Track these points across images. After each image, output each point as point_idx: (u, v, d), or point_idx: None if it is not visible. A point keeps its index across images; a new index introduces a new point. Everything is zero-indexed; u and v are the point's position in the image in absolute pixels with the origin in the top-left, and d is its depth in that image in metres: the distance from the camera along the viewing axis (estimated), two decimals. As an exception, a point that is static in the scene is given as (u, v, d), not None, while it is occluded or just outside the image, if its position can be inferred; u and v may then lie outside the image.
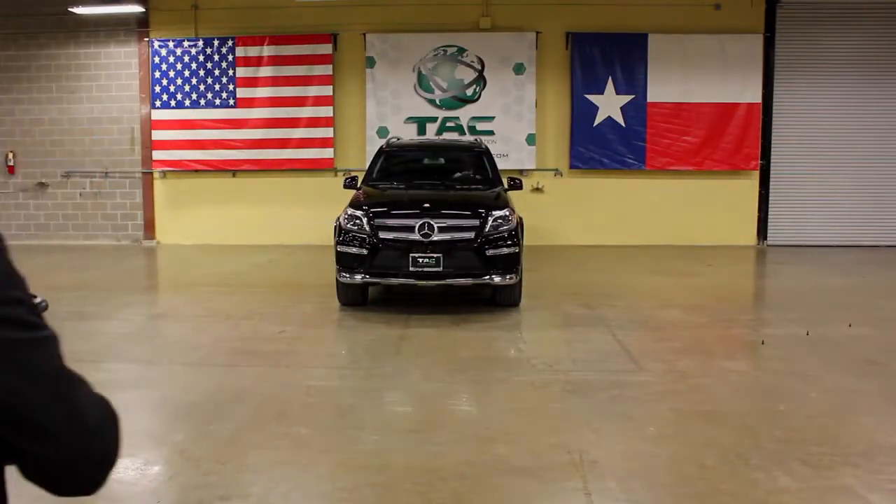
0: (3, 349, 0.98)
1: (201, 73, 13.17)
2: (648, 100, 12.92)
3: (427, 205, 7.90)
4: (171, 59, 13.22)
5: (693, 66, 12.82)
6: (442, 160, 10.09)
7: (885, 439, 4.50)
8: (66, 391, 1.05)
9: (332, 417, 4.90)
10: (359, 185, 9.01)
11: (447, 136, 12.93)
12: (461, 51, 13.02)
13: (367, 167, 9.91)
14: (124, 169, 13.57)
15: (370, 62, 13.07)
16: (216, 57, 13.14)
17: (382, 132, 12.91)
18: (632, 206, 13.17)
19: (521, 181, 9.45)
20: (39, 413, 1.01)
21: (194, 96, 13.20)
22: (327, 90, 13.09)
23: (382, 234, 7.69)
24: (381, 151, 9.62)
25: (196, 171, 13.31)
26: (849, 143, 13.14)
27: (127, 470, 3.94)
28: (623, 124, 12.98)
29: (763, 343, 6.81)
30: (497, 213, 7.84)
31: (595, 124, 12.99)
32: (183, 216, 13.54)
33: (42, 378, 1.02)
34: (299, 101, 13.10)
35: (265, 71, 13.08)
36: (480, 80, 13.05)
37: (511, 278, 7.75)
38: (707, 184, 13.16)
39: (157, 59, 13.22)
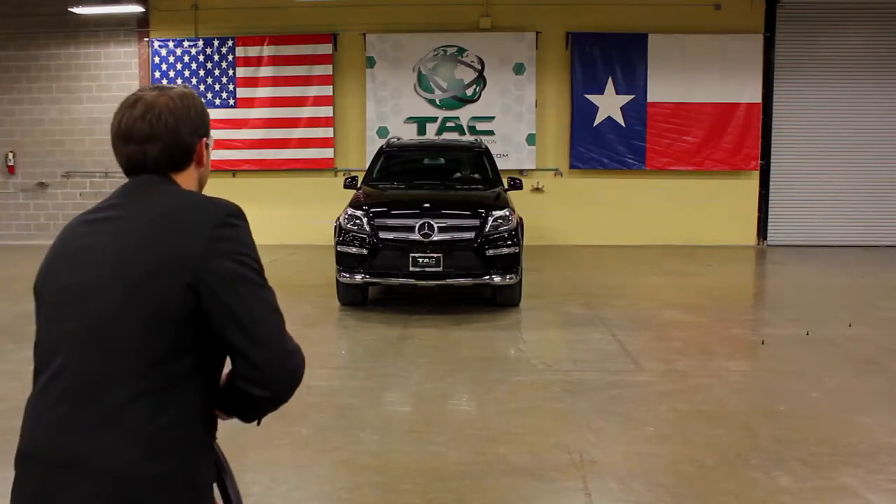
0: (247, 280, 1.56)
1: (201, 73, 13.18)
2: (648, 100, 12.92)
3: (427, 205, 7.90)
4: (171, 59, 13.22)
5: (693, 66, 12.82)
6: (442, 160, 10.09)
7: (885, 439, 4.51)
8: (277, 320, 1.58)
9: (332, 417, 4.90)
10: (359, 185, 9.02)
11: (447, 136, 12.93)
12: (461, 51, 13.02)
13: (367, 167, 9.92)
14: (124, 169, 13.57)
15: (370, 62, 13.07)
16: (216, 57, 13.15)
17: (382, 132, 12.91)
18: (632, 206, 13.17)
19: (521, 181, 9.45)
20: (259, 325, 1.55)
21: (194, 96, 13.20)
22: (327, 90, 13.10)
23: (382, 234, 7.69)
24: (381, 151, 9.62)
25: (196, 171, 13.31)
26: (849, 143, 13.13)
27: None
28: (623, 124, 12.98)
29: (763, 343, 6.81)
30: (497, 213, 7.85)
31: (595, 124, 12.99)
32: (183, 216, 13.53)
33: (265, 305, 1.57)
34: (299, 101, 13.10)
35: (265, 71, 13.09)
36: (480, 80, 13.05)
37: (511, 278, 7.75)
38: (707, 184, 13.15)
39: (157, 59, 13.22)
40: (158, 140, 1.67)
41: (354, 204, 8.15)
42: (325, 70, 13.07)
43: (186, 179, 1.72)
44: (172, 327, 1.52)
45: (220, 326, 1.54)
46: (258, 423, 1.78)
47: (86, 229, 1.64)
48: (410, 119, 13.13)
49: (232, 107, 13.13)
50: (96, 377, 1.52)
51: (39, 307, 1.65)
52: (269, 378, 1.56)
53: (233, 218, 1.61)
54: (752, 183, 13.26)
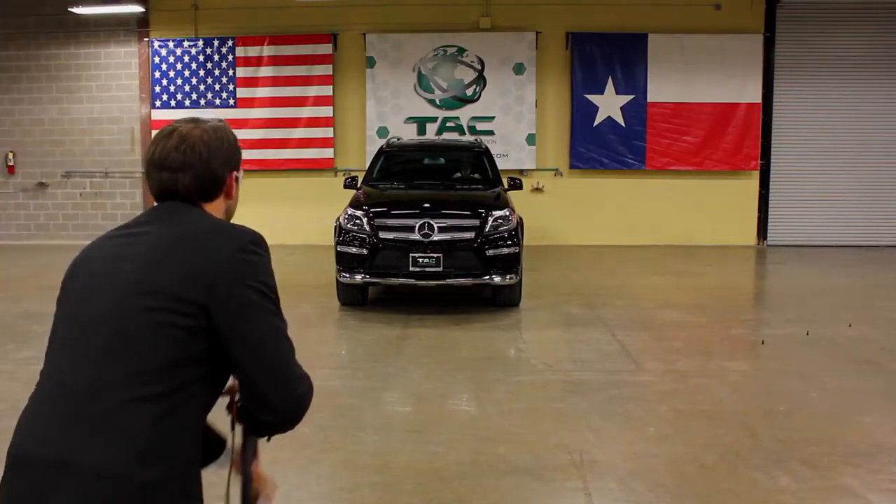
0: (261, 308, 1.61)
1: (201, 73, 13.17)
2: (648, 100, 12.92)
3: (427, 205, 7.90)
4: (171, 59, 13.22)
5: (693, 66, 12.81)
6: (442, 160, 10.09)
7: (885, 439, 4.51)
8: (286, 348, 1.64)
9: (333, 417, 4.90)
10: (359, 185, 9.02)
11: (447, 136, 12.93)
12: (461, 51, 13.02)
13: (367, 167, 9.92)
14: (124, 169, 13.57)
15: (370, 62, 13.07)
16: (216, 57, 13.14)
17: (382, 132, 12.91)
18: (632, 206, 13.17)
19: (521, 181, 9.46)
20: (269, 353, 1.60)
21: (194, 96, 13.20)
22: (327, 90, 13.09)
23: (382, 234, 7.69)
24: (381, 151, 9.62)
25: (196, 171, 13.30)
26: (849, 143, 13.13)
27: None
28: (623, 124, 12.97)
29: (763, 343, 6.81)
30: (497, 213, 7.84)
31: (595, 124, 12.99)
32: (183, 216, 13.52)
33: (276, 334, 1.62)
34: (299, 101, 13.10)
35: (265, 71, 13.08)
36: (480, 80, 13.05)
37: (511, 278, 7.74)
38: (707, 184, 13.15)
39: (157, 59, 13.21)
40: (191, 169, 1.73)
41: (354, 204, 8.15)
42: (325, 70, 13.06)
43: (214, 209, 1.79)
44: (182, 340, 1.56)
45: (230, 349, 1.60)
46: (268, 440, 1.83)
47: (113, 242, 1.71)
48: (410, 119, 13.13)
49: (232, 107, 13.12)
50: (100, 379, 1.54)
51: (57, 313, 1.70)
52: (275, 405, 1.64)
53: (255, 246, 1.66)
54: (752, 183, 13.26)
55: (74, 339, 1.61)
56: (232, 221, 1.79)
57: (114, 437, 1.50)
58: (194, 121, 1.81)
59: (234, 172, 1.84)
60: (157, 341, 1.55)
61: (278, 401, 1.63)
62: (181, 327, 1.55)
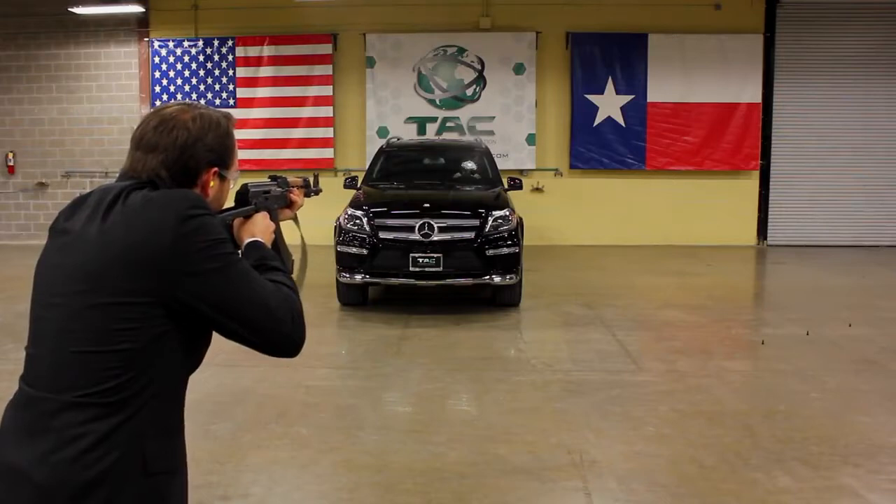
0: (224, 271, 1.55)
1: (201, 73, 13.17)
2: (648, 100, 12.91)
3: (427, 205, 7.90)
4: (171, 59, 13.22)
5: (693, 66, 12.81)
6: (442, 160, 10.09)
7: (885, 439, 4.51)
8: (259, 294, 1.58)
9: (332, 417, 4.90)
10: (359, 185, 9.02)
11: (447, 136, 12.92)
12: (461, 51, 13.02)
13: (367, 167, 9.92)
14: (124, 169, 13.56)
15: (370, 62, 13.07)
16: (216, 57, 13.14)
17: (382, 132, 12.91)
18: (632, 206, 13.17)
19: (521, 181, 9.45)
20: (244, 311, 1.56)
21: (194, 96, 13.19)
22: (327, 90, 13.09)
23: (382, 234, 7.69)
24: (381, 151, 9.62)
25: (196, 171, 13.29)
26: (849, 143, 13.12)
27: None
28: (623, 124, 12.97)
29: (763, 343, 6.81)
30: (497, 213, 7.85)
31: (595, 124, 12.98)
32: (183, 216, 13.51)
33: (246, 284, 1.57)
34: (299, 101, 13.10)
35: (265, 71, 13.08)
36: (480, 80, 13.05)
37: (511, 278, 7.75)
38: (707, 184, 13.15)
39: (157, 59, 13.21)
40: (162, 152, 1.61)
41: (354, 204, 8.16)
42: (325, 70, 13.06)
43: None
44: (132, 331, 1.49)
45: (205, 317, 1.55)
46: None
47: (61, 227, 1.64)
48: (410, 119, 13.12)
49: (232, 107, 13.11)
50: (48, 380, 1.53)
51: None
52: (271, 350, 1.62)
53: (194, 209, 1.55)
54: (752, 183, 13.25)
55: (32, 340, 1.60)
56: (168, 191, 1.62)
57: (50, 441, 1.46)
58: (188, 104, 1.69)
59: (215, 169, 1.68)
60: (103, 338, 1.49)
61: (272, 347, 1.62)
62: (129, 318, 1.49)
